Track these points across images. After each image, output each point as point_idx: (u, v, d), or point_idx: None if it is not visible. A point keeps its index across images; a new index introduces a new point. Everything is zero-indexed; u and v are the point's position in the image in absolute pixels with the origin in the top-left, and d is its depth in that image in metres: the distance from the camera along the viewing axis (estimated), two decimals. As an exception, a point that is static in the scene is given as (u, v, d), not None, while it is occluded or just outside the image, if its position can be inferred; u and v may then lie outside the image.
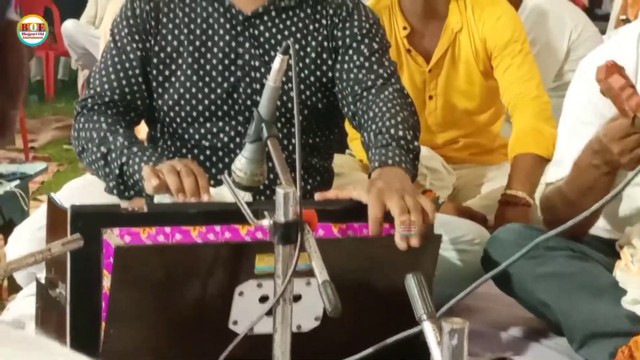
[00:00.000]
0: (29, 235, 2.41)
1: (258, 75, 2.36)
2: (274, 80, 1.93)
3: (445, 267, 2.33)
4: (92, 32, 7.74)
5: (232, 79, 2.36)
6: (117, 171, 2.21)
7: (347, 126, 2.70)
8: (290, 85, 2.18)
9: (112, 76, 2.37)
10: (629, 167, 1.98)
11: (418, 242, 1.89)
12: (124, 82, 2.37)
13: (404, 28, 3.12)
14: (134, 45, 2.38)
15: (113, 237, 1.85)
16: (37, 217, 2.44)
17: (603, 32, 5.91)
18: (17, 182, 3.89)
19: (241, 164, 2.01)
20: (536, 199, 2.45)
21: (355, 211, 2.00)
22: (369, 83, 2.33)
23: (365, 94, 2.32)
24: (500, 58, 3.05)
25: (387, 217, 1.94)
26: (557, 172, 2.28)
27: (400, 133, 2.18)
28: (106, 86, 2.36)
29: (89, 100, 2.36)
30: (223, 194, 2.10)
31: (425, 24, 3.13)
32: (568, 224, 1.76)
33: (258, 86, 2.34)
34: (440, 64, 3.13)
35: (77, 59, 7.98)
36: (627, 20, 5.53)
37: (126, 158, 2.20)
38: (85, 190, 2.49)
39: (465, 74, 3.13)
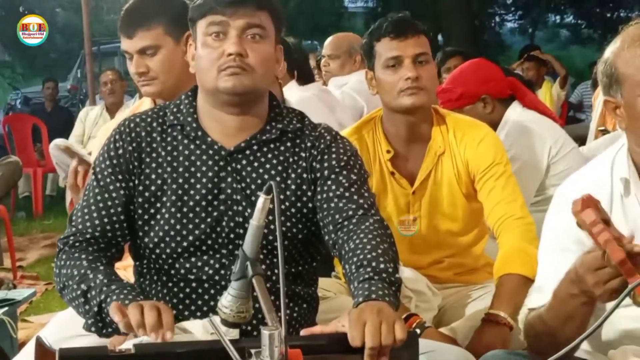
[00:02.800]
0: (17, 375, 2.42)
1: (240, 208, 2.40)
2: (257, 220, 1.97)
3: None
4: (81, 151, 7.80)
5: (215, 214, 2.40)
6: (95, 309, 2.24)
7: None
8: (271, 217, 2.22)
9: (94, 214, 2.41)
10: (603, 299, 2.00)
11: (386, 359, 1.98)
12: (105, 220, 2.41)
13: (388, 151, 3.17)
14: (117, 184, 2.42)
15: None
16: (26, 355, 2.45)
17: (583, 138, 6.02)
18: (5, 309, 3.89)
19: (227, 301, 2.04)
20: (519, 322, 2.47)
21: (341, 343, 2.02)
22: (350, 213, 2.37)
23: (346, 223, 2.36)
24: (484, 181, 3.10)
25: None
26: (538, 299, 2.30)
27: (382, 266, 2.22)
28: (88, 224, 2.40)
29: (71, 237, 2.40)
30: (208, 326, 2.12)
31: (409, 147, 3.19)
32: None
33: (241, 219, 2.39)
34: (423, 186, 3.18)
35: (64, 177, 8.02)
36: (605, 131, 5.65)
37: (104, 296, 2.23)
38: (73, 324, 2.50)
39: (449, 196, 3.18)
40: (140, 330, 2.04)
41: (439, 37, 19.49)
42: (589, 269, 1.99)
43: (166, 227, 2.39)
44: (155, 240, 2.40)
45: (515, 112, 4.03)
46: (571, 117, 10.65)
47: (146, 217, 2.42)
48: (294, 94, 4.52)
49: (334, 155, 2.45)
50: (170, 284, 2.42)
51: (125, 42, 3.07)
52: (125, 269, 2.96)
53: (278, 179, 2.42)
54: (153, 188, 2.42)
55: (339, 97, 5.30)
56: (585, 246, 2.07)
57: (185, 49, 2.97)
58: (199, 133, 2.44)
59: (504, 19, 29.34)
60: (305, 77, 5.08)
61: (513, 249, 2.96)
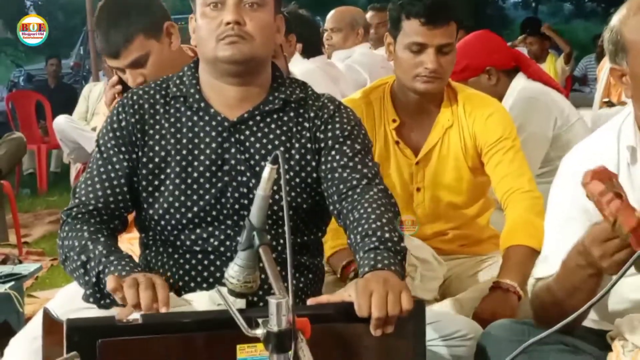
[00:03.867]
0: (26, 346, 2.43)
1: (244, 179, 2.40)
2: (264, 190, 1.98)
3: (439, 364, 2.37)
4: (84, 126, 7.81)
5: (219, 185, 2.40)
6: (94, 279, 2.26)
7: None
8: (275, 187, 2.21)
9: (98, 185, 2.41)
10: (609, 271, 2.00)
11: (392, 328, 2.01)
12: (108, 191, 2.41)
13: (394, 120, 3.17)
14: (120, 156, 2.42)
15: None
16: (33, 327, 2.46)
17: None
18: (12, 283, 3.90)
19: (234, 271, 2.05)
20: (528, 292, 2.47)
21: (348, 313, 2.03)
22: (354, 182, 2.37)
23: (350, 192, 2.37)
24: (491, 154, 3.10)
25: None
26: (544, 269, 2.30)
27: (387, 235, 2.22)
28: (91, 195, 2.41)
29: (74, 209, 2.41)
30: (216, 297, 2.13)
31: (416, 118, 3.19)
32: (558, 326, 1.80)
33: (245, 190, 2.39)
34: (428, 157, 3.18)
35: (69, 153, 8.03)
36: (610, 103, 5.64)
37: (103, 266, 2.24)
38: (79, 297, 2.51)
39: (454, 169, 3.18)
40: (136, 309, 2.05)
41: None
42: (595, 241, 1.99)
43: (171, 199, 2.39)
44: (160, 212, 2.41)
45: (520, 84, 4.02)
46: (575, 90, 10.62)
47: (150, 189, 2.42)
48: (298, 67, 4.51)
49: (337, 125, 2.45)
50: (176, 256, 2.42)
51: (112, 61, 3.05)
52: (131, 241, 2.96)
53: (282, 149, 2.41)
54: (157, 160, 2.42)
55: (342, 70, 5.31)
56: (592, 215, 2.07)
57: (169, 40, 2.98)
58: (202, 104, 2.43)
59: (508, -7, 29.24)
60: (312, 50, 5.07)
61: (520, 220, 2.96)
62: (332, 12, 5.84)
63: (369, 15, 6.37)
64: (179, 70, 2.58)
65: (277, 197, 2.31)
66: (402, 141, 3.19)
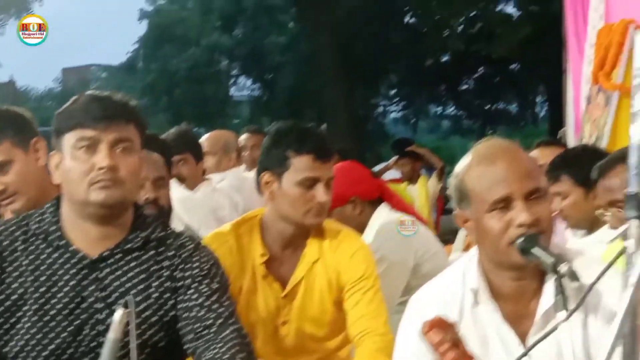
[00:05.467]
0: None
1: (102, 317, 2.41)
2: (115, 333, 2.01)
3: None
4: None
5: (76, 322, 2.40)
6: None
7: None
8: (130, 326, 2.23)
9: None
10: None
11: None
12: None
13: (262, 255, 3.20)
14: None
15: None
16: None
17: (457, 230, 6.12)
18: None
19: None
20: None
21: None
22: (210, 321, 2.42)
23: (205, 332, 2.41)
24: (351, 293, 3.15)
25: None
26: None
27: None
28: None
29: None
30: None
31: (284, 252, 3.23)
32: None
33: (102, 328, 2.39)
34: (295, 291, 3.21)
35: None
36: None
37: None
38: None
39: (319, 302, 3.21)
40: None
41: (323, 127, 19.75)
42: None
43: (27, 337, 2.39)
44: (16, 349, 2.40)
45: (383, 214, 4.08)
46: (448, 209, 10.77)
47: (7, 326, 2.41)
48: (174, 193, 4.54)
49: (196, 264, 2.50)
50: (31, 394, 2.41)
51: None
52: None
53: (140, 287, 2.45)
54: (14, 297, 2.42)
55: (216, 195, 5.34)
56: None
57: (38, 156, 2.99)
58: (62, 242, 2.46)
59: (388, 109, 29.85)
60: None
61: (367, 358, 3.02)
62: (205, 137, 5.87)
63: (244, 137, 6.40)
64: (41, 189, 2.58)
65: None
66: (271, 275, 3.21)
